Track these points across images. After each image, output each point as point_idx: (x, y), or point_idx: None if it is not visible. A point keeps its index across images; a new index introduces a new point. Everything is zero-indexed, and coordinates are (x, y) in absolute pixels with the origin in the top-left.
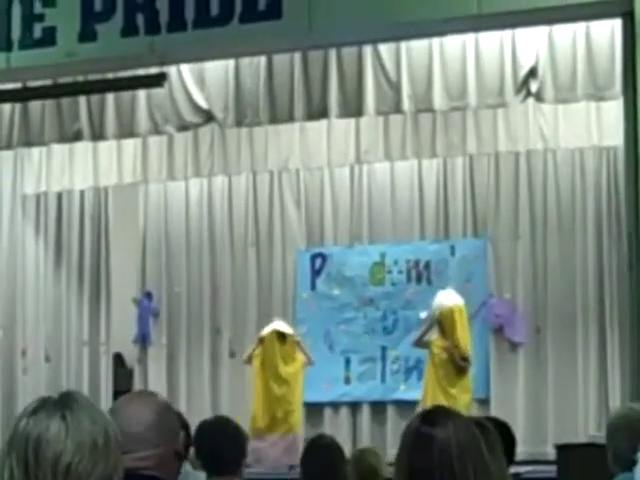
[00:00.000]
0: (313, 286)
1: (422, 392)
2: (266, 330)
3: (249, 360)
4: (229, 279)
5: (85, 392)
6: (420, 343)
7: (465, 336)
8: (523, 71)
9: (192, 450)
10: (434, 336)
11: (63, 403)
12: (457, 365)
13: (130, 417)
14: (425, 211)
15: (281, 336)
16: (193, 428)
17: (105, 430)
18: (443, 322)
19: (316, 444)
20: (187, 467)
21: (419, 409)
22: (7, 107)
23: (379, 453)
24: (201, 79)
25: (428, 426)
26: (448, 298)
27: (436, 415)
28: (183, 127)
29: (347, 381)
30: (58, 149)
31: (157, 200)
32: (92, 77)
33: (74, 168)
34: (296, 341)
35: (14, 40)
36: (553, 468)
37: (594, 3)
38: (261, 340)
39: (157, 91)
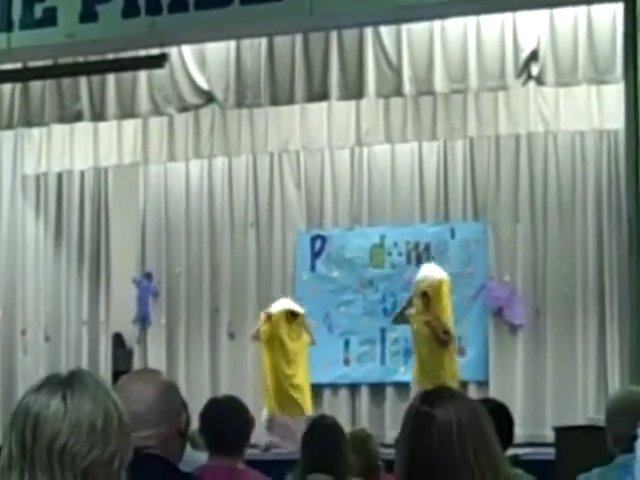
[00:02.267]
0: (313, 268)
1: (412, 372)
2: (275, 307)
3: (256, 336)
4: (229, 260)
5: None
6: (400, 318)
7: (448, 311)
8: (524, 54)
9: (192, 429)
10: (413, 311)
11: (67, 382)
12: (439, 339)
13: (132, 396)
14: (425, 193)
15: (291, 314)
16: (191, 408)
17: (106, 412)
18: (430, 295)
19: (318, 424)
20: (187, 448)
21: (412, 391)
22: (7, 87)
23: (371, 434)
24: (202, 60)
25: (428, 406)
26: (435, 271)
27: (437, 395)
28: (184, 108)
29: (346, 362)
30: (58, 129)
31: (157, 181)
32: (93, 58)
33: (74, 148)
34: (303, 319)
35: (15, 20)
36: (552, 450)
37: None
38: (269, 317)
39: (158, 72)
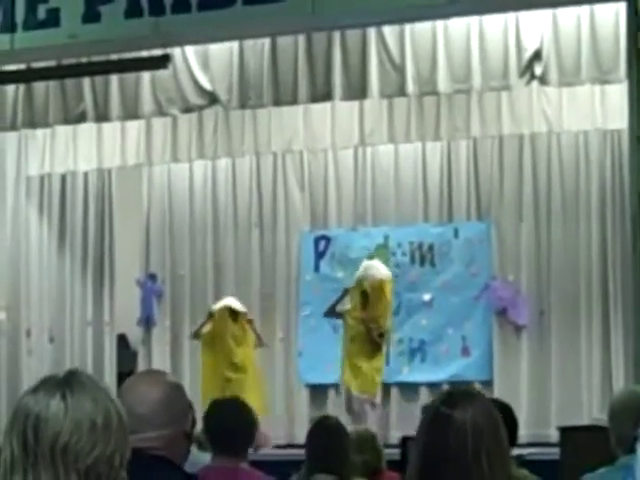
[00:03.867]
0: (317, 268)
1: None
2: (217, 305)
3: (196, 335)
4: (233, 261)
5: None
6: (332, 312)
7: (387, 312)
8: (527, 54)
9: (197, 428)
10: (348, 306)
11: (66, 382)
12: (372, 340)
13: (138, 397)
14: (429, 194)
15: (233, 313)
16: (195, 408)
17: (106, 411)
18: (370, 293)
19: (322, 425)
20: (192, 448)
21: (341, 388)
22: (11, 88)
23: (375, 433)
24: (205, 61)
25: (447, 407)
26: (379, 270)
27: (458, 396)
28: (187, 109)
29: None
30: (62, 130)
31: (161, 182)
32: (96, 58)
33: (78, 149)
34: (248, 320)
35: (18, 21)
36: (556, 450)
37: None
38: (211, 315)
39: (161, 73)
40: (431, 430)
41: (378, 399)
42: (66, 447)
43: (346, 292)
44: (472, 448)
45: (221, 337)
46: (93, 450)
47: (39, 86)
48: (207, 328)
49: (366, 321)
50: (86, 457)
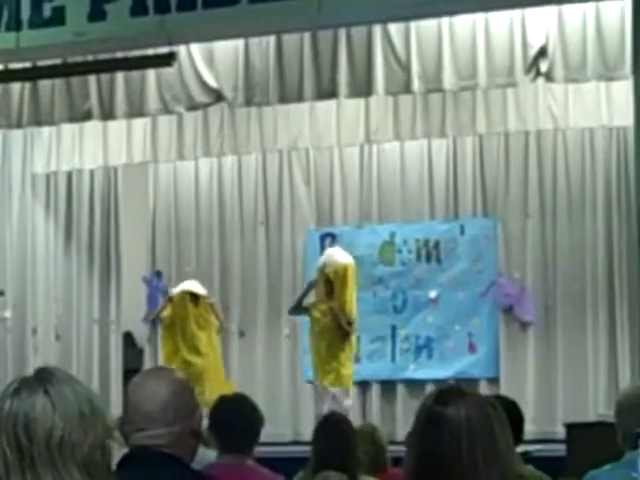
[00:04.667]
0: None
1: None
2: (176, 289)
3: (148, 318)
4: (239, 258)
5: (95, 371)
6: (298, 310)
7: (353, 299)
8: (533, 51)
9: (204, 426)
10: (312, 299)
11: (43, 379)
12: (342, 330)
13: (146, 395)
14: (435, 191)
15: (194, 297)
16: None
17: (89, 399)
18: (334, 281)
19: (329, 421)
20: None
21: (316, 385)
22: (17, 86)
23: (378, 428)
24: (210, 59)
25: (440, 405)
26: (341, 256)
27: (450, 394)
28: (193, 107)
29: (357, 360)
30: (68, 128)
31: (167, 180)
32: (101, 56)
33: (84, 147)
34: (210, 303)
35: (23, 19)
36: (562, 447)
37: None
38: (170, 300)
39: (166, 71)
40: (425, 429)
41: (350, 393)
42: (61, 441)
43: (310, 286)
44: (466, 445)
45: (181, 321)
46: (86, 438)
47: (45, 84)
48: (166, 312)
49: (333, 310)
50: (81, 447)
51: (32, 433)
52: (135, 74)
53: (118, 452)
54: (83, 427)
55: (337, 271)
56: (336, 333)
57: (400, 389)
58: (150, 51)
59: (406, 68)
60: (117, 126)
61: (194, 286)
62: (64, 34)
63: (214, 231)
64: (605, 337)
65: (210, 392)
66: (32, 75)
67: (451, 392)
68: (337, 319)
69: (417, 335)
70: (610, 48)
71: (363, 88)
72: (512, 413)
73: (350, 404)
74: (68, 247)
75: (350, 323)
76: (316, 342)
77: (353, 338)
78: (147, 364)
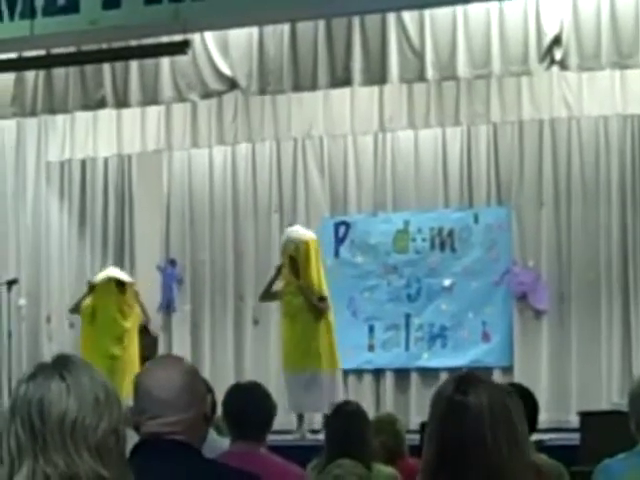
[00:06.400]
0: (337, 254)
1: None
2: (99, 277)
3: (75, 309)
4: (253, 246)
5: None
6: (267, 295)
7: (320, 274)
8: (547, 39)
9: (218, 414)
10: (281, 285)
11: (60, 365)
12: (315, 307)
13: (157, 382)
14: (449, 179)
15: (119, 285)
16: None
17: (104, 386)
18: (297, 258)
19: (342, 410)
20: (212, 434)
21: (287, 378)
22: (31, 74)
23: (399, 419)
24: (225, 47)
25: (461, 394)
26: (303, 232)
27: (469, 382)
28: (207, 95)
29: (371, 348)
30: (82, 116)
31: (181, 168)
32: (116, 45)
33: (98, 136)
34: (135, 292)
35: (38, 7)
36: (576, 436)
37: None
38: (92, 288)
39: (181, 59)
40: (447, 418)
41: (339, 376)
42: (74, 425)
43: (278, 270)
44: (490, 432)
45: (104, 311)
46: (100, 424)
47: (59, 72)
48: (88, 301)
49: (302, 289)
50: (95, 432)
51: (46, 416)
52: (149, 62)
53: (130, 440)
54: (98, 412)
55: (298, 247)
56: (310, 314)
57: (414, 378)
58: (164, 39)
59: (420, 56)
60: (131, 114)
61: (119, 273)
62: (78, 22)
63: (228, 219)
64: (619, 325)
65: (128, 385)
66: (46, 63)
67: (469, 380)
68: (308, 297)
69: (431, 323)
70: (624, 36)
71: (377, 76)
72: (527, 401)
73: (339, 387)
74: (82, 235)
75: (322, 299)
76: (289, 326)
77: (331, 315)
78: (162, 352)
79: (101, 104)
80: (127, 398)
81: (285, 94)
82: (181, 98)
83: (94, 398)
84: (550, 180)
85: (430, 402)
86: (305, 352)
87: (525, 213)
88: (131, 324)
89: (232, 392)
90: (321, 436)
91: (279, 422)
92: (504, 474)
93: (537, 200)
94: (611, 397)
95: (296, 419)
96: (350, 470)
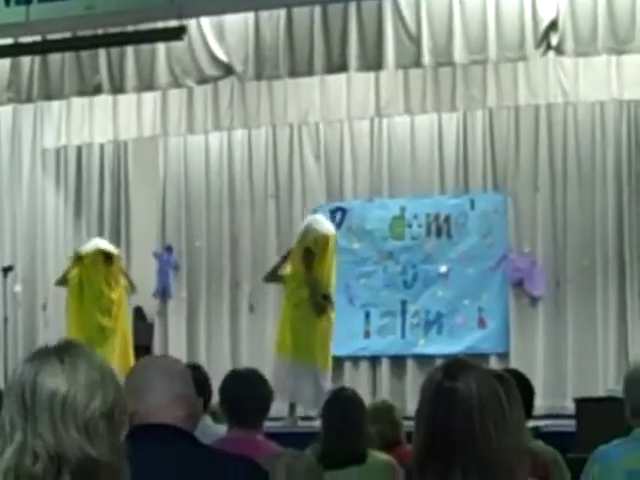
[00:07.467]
0: None
1: (281, 342)
2: (87, 248)
3: (62, 281)
4: (249, 232)
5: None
6: (273, 277)
7: (331, 272)
8: (543, 24)
9: (214, 401)
10: (289, 269)
11: (61, 349)
12: (317, 304)
13: (147, 386)
14: (445, 165)
15: (106, 256)
16: (211, 380)
17: (101, 368)
18: (314, 250)
19: (338, 397)
20: (207, 420)
21: (280, 364)
22: (27, 60)
23: (396, 407)
24: (221, 32)
25: (450, 380)
26: (324, 224)
27: (458, 368)
28: (203, 80)
29: (367, 335)
30: (78, 102)
31: (177, 153)
32: (112, 30)
33: (94, 121)
34: (121, 263)
35: None
36: (572, 422)
37: None
38: (79, 259)
39: (177, 44)
40: (436, 404)
41: (329, 373)
42: (64, 402)
43: (288, 254)
44: (478, 418)
45: (92, 282)
46: (90, 403)
47: (54, 58)
48: (74, 272)
49: (310, 283)
50: (84, 411)
51: (38, 394)
52: (145, 48)
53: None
54: (89, 392)
55: (317, 240)
56: (312, 308)
57: (410, 364)
58: (160, 24)
59: (416, 42)
60: (127, 100)
61: (105, 244)
62: (74, 7)
63: (224, 205)
64: (615, 312)
65: (118, 357)
66: (42, 49)
67: (458, 366)
68: (313, 292)
69: (427, 310)
70: (621, 21)
71: (373, 62)
72: (523, 387)
73: (328, 384)
74: (78, 222)
75: (326, 297)
76: (290, 312)
77: (332, 316)
78: (157, 339)
79: (97, 90)
80: (119, 373)
81: (281, 80)
82: (177, 84)
83: (87, 379)
84: (546, 166)
85: (420, 388)
86: (299, 343)
87: (521, 199)
88: (117, 296)
89: (229, 379)
90: (315, 423)
91: (275, 409)
92: (494, 460)
93: (533, 186)
94: (607, 383)
95: (288, 407)
96: None
